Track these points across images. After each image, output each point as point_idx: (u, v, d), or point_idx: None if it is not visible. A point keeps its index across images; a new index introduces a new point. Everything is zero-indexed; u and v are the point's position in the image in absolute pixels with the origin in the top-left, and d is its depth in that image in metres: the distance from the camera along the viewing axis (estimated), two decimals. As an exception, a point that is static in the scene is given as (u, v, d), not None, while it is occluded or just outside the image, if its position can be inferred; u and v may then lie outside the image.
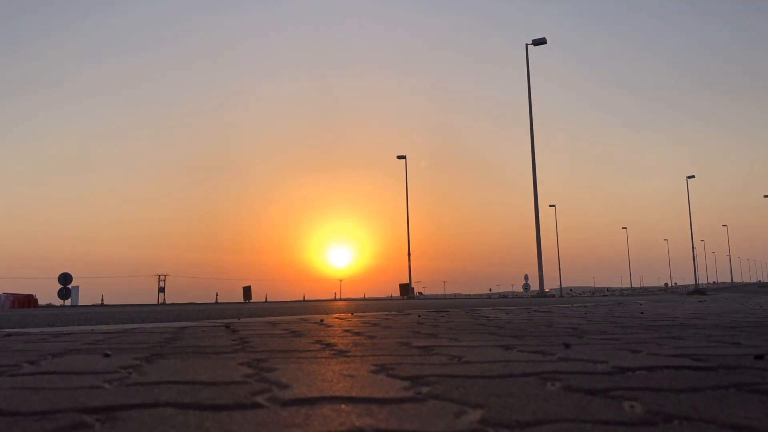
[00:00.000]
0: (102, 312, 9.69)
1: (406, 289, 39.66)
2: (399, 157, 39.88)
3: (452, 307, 8.63)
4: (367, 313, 5.65)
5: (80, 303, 35.05)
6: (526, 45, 28.68)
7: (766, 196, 50.21)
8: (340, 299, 44.29)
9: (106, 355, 1.85)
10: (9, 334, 2.88)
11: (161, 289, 49.93)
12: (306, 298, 55.20)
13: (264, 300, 46.83)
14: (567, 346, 1.97)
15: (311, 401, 1.00)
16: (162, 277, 51.18)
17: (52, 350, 2.06)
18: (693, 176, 49.10)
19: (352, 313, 5.77)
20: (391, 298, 50.32)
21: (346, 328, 3.18)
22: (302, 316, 4.99)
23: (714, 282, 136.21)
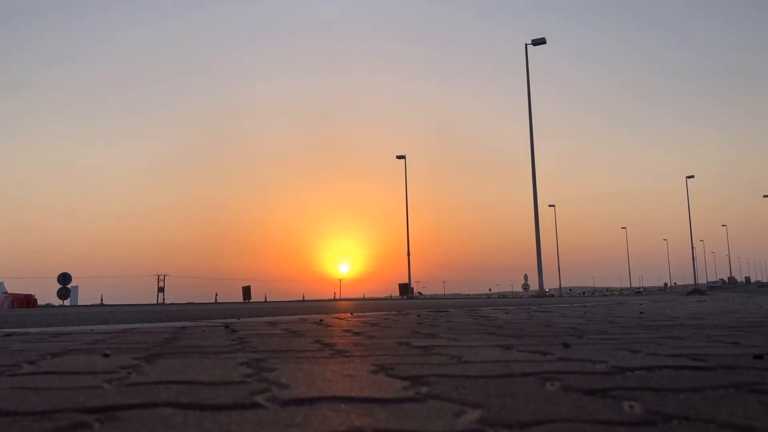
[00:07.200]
0: (101, 312, 9.69)
1: (405, 289, 39.65)
2: (398, 157, 39.88)
3: (452, 307, 8.62)
4: (367, 313, 5.65)
5: (79, 303, 35.04)
6: (526, 45, 28.67)
7: (765, 196, 50.21)
8: (340, 299, 44.27)
9: (106, 355, 1.84)
10: (8, 334, 2.88)
11: (160, 289, 49.92)
12: (305, 298, 55.18)
13: (263, 300, 46.80)
14: (566, 345, 1.97)
15: (311, 401, 1.00)
16: (161, 277, 51.18)
17: (52, 350, 2.06)
18: (693, 176, 49.16)
19: (351, 313, 5.77)
20: (390, 298, 50.30)
21: (346, 328, 3.17)
22: (301, 316, 4.99)
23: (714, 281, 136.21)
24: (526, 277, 48.16)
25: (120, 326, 3.60)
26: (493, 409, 0.92)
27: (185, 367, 1.52)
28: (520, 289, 48.94)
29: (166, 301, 45.83)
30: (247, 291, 45.91)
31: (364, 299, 42.20)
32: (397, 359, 1.64)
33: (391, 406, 0.95)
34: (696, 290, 41.30)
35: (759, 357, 1.58)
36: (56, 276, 31.28)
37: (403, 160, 39.84)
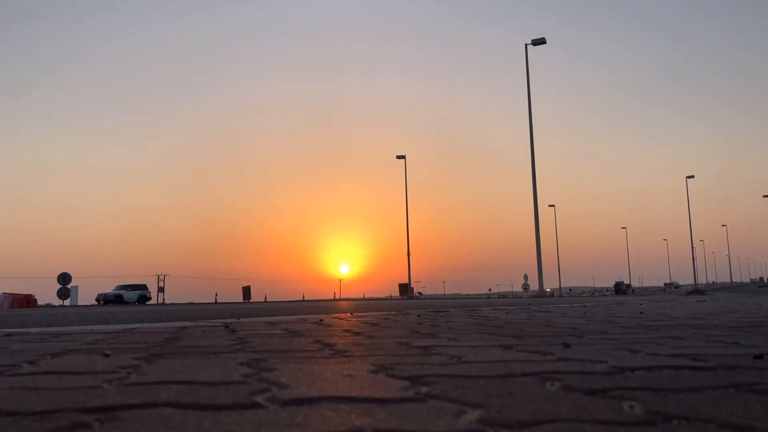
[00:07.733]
0: (101, 312, 9.69)
1: (405, 289, 39.65)
2: (398, 157, 39.89)
3: (452, 307, 8.62)
4: (367, 313, 5.64)
5: (79, 303, 35.07)
6: (526, 45, 28.68)
7: (765, 196, 50.21)
8: (340, 299, 44.27)
9: (106, 355, 1.84)
10: (8, 334, 2.88)
11: (160, 289, 49.82)
12: (305, 298, 55.17)
13: (263, 300, 46.81)
14: (566, 345, 1.97)
15: (311, 401, 1.00)
16: (161, 277, 51.12)
17: (52, 350, 2.06)
18: (693, 176, 49.25)
19: (351, 313, 5.77)
20: (390, 298, 50.30)
21: (346, 328, 3.17)
22: (301, 316, 4.99)
23: (713, 282, 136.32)
24: (526, 277, 48.21)
25: (120, 326, 3.60)
26: (493, 409, 0.92)
27: (185, 367, 1.52)
28: (520, 289, 48.98)
29: (166, 301, 45.82)
30: (247, 291, 45.91)
31: (364, 299, 42.19)
32: (397, 359, 1.64)
33: (391, 406, 0.95)
34: (696, 290, 41.30)
35: (759, 357, 1.58)
36: (56, 276, 31.30)
37: (403, 160, 39.84)
